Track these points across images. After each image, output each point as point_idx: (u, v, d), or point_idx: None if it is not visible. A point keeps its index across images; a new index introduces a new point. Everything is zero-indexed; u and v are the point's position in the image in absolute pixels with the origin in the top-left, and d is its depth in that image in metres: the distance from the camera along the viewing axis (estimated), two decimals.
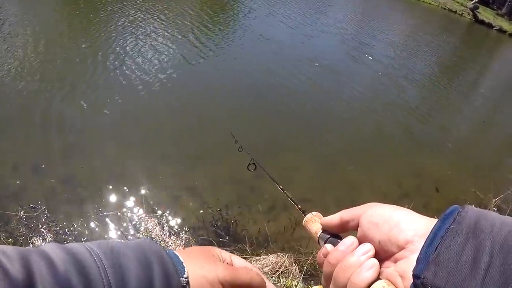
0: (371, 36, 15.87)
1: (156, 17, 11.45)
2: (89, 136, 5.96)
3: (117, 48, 9.06)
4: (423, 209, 5.96)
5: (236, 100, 8.24)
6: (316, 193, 6.01)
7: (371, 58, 12.85)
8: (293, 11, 16.09)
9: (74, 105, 6.58)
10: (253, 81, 9.14)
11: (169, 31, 10.77)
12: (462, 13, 31.66)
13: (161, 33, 10.51)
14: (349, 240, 0.65)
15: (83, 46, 8.81)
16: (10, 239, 4.35)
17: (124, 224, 4.76)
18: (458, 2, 33.73)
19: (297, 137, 7.37)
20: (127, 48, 9.21)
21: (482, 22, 31.55)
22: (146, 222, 4.82)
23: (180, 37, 10.52)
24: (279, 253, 4.52)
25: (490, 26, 31.53)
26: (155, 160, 5.85)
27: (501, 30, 31.31)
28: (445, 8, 31.63)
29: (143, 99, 7.29)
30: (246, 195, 5.59)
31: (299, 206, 0.89)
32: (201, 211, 5.15)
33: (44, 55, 8.05)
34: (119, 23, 10.55)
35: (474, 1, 33.20)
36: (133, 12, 11.38)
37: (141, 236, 4.64)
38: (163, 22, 11.28)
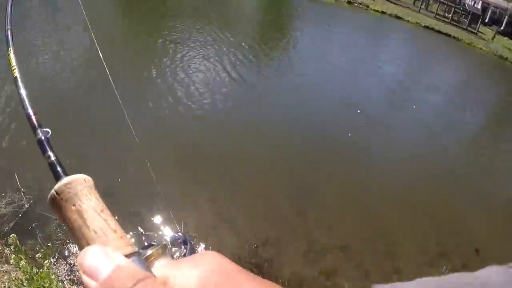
0: (417, 82, 16.02)
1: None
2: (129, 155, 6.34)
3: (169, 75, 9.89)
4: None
5: (278, 143, 8.61)
6: (355, 242, 6.17)
7: (414, 107, 12.98)
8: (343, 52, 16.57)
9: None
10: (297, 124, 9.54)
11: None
12: None
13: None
14: None
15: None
16: (49, 243, 4.77)
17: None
18: (510, 49, 33.27)
19: (335, 183, 7.60)
20: (178, 76, 10.00)
21: None
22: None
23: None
24: None
25: None
26: (195, 187, 6.18)
27: None
28: (495, 54, 31.23)
29: (190, 125, 7.80)
30: (284, 235, 5.79)
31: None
32: (236, 244, 5.36)
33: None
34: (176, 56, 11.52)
35: None
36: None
37: None
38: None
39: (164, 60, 10.99)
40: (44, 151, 0.76)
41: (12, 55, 1.03)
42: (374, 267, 5.84)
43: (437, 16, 34.78)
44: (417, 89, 15.11)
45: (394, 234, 6.70)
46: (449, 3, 38.26)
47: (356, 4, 32.08)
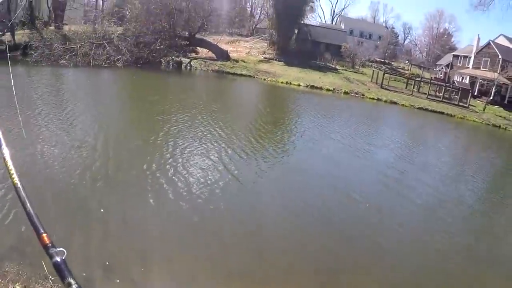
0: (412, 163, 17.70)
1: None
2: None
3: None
4: None
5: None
6: None
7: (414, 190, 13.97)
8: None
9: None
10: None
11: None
12: (506, 127, 33.70)
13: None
14: None
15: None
16: None
17: None
18: (501, 117, 36.03)
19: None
20: (184, 164, 11.54)
21: None
22: None
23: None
24: None
25: None
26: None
27: None
28: (488, 124, 33.87)
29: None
30: None
31: None
32: None
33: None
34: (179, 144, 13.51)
35: None
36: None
37: None
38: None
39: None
40: (63, 277, 0.71)
41: (8, 159, 0.97)
42: None
43: (429, 97, 38.05)
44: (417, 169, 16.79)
45: None
46: (439, 83, 41.95)
47: (352, 94, 35.42)
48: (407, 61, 67.78)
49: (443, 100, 37.97)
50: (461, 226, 11.31)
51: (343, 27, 69.06)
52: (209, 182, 10.44)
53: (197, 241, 7.85)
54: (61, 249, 0.80)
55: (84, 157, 10.69)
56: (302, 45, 50.77)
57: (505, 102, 42.11)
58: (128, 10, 36.82)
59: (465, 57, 50.27)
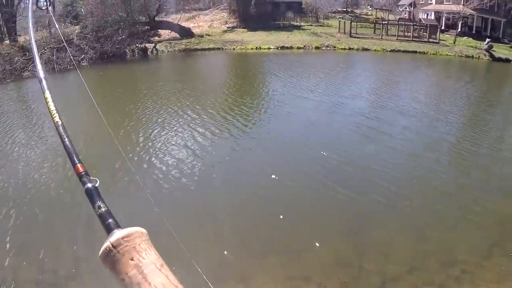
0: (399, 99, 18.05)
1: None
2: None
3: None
4: None
5: None
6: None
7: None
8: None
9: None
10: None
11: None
12: (479, 56, 34.24)
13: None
14: None
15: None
16: None
17: None
18: (472, 47, 36.53)
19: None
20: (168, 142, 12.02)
21: (500, 59, 33.99)
22: None
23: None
24: None
25: (508, 60, 33.91)
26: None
27: None
28: (462, 56, 34.32)
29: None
30: None
31: None
32: None
33: None
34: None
35: (487, 41, 35.97)
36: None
37: None
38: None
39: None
40: (93, 201, 0.75)
41: (50, 100, 1.05)
42: None
43: (399, 38, 38.25)
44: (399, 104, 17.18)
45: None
46: (406, 23, 42.06)
47: (323, 48, 35.33)
48: (369, 7, 67.59)
49: (413, 39, 38.22)
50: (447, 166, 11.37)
51: None
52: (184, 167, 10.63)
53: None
54: (94, 178, 0.84)
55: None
56: (262, 9, 49.98)
57: (473, 32, 42.66)
58: (82, 7, 35.50)
59: None
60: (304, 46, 35.41)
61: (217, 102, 17.27)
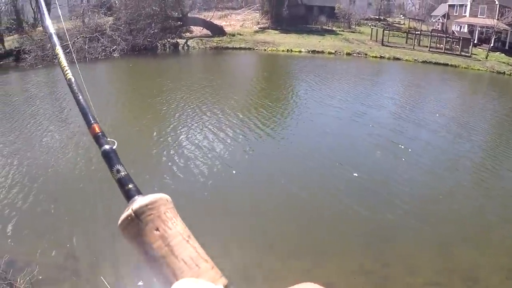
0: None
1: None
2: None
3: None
4: None
5: None
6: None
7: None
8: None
9: None
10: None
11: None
12: (511, 73, 34.20)
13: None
14: None
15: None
16: None
17: None
18: (504, 63, 36.50)
19: None
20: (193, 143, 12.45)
21: None
22: None
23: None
24: None
25: None
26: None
27: None
28: (493, 71, 34.36)
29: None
30: None
31: None
32: None
33: None
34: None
35: None
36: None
37: None
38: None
39: None
40: (111, 165, 0.69)
41: (61, 56, 1.01)
42: None
43: (431, 49, 38.40)
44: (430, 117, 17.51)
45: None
46: (439, 34, 42.18)
47: (355, 55, 35.73)
48: (402, 15, 67.63)
49: (445, 51, 38.29)
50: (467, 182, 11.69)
51: None
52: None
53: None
54: (112, 139, 0.79)
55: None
56: (294, 11, 50.51)
57: (506, 47, 42.50)
58: None
59: (461, 5, 50.26)
60: (335, 51, 35.90)
61: (242, 103, 17.65)
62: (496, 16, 41.53)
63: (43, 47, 27.57)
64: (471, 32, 45.52)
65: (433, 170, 11.88)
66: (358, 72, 29.06)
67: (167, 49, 33.77)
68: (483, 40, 43.63)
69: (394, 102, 20.17)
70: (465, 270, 7.47)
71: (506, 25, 41.44)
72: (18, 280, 5.84)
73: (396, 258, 7.65)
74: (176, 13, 38.58)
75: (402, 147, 13.45)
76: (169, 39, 34.80)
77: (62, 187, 9.48)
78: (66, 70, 1.00)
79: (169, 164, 10.78)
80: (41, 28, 33.94)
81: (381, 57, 35.36)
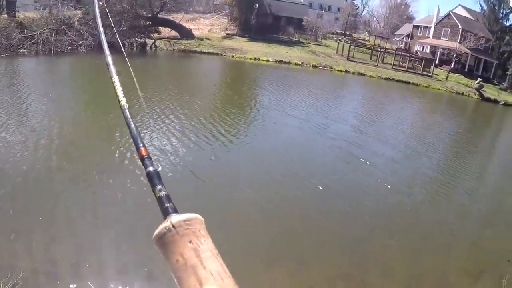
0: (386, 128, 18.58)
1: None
2: None
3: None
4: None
5: None
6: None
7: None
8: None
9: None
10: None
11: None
12: (469, 94, 35.64)
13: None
14: None
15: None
16: None
17: None
18: (463, 84, 37.98)
19: None
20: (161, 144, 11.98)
21: (488, 99, 35.54)
22: None
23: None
24: None
25: (496, 101, 35.61)
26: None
27: (506, 104, 35.82)
28: (452, 92, 35.65)
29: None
30: None
31: None
32: None
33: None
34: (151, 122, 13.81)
35: (478, 80, 37.53)
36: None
37: None
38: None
39: None
40: (154, 184, 0.78)
41: (117, 84, 1.10)
42: None
43: (394, 67, 39.52)
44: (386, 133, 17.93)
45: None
46: (402, 53, 43.43)
47: (320, 68, 36.18)
48: (367, 32, 69.39)
49: (408, 70, 39.50)
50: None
51: (301, 0, 69.61)
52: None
53: None
54: (157, 164, 0.89)
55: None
56: (263, 20, 50.86)
57: (466, 70, 44.34)
58: None
59: (425, 27, 52.13)
60: (302, 63, 36.26)
61: (205, 107, 17.37)
62: (459, 39, 43.20)
63: (8, 36, 26.26)
64: (433, 53, 47.20)
65: (394, 184, 12.14)
66: (323, 85, 29.32)
67: (135, 48, 32.98)
68: (444, 61, 45.33)
69: (357, 117, 20.41)
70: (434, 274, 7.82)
71: (468, 48, 43.16)
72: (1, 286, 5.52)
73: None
74: (145, 13, 38.00)
75: (362, 160, 13.61)
76: (137, 38, 34.03)
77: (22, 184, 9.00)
78: (121, 98, 1.10)
79: (130, 167, 10.42)
80: (5, 16, 32.49)
81: (346, 71, 35.94)
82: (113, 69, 1.27)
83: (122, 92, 1.13)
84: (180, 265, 0.62)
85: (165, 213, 0.73)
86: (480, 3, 52.10)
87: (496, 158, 18.84)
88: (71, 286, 6.01)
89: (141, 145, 0.92)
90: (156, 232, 0.68)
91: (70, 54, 27.27)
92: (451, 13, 47.90)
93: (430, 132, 20.32)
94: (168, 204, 0.75)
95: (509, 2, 49.37)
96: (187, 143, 12.53)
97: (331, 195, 10.76)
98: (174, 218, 0.68)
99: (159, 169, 0.88)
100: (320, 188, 10.86)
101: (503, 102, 35.84)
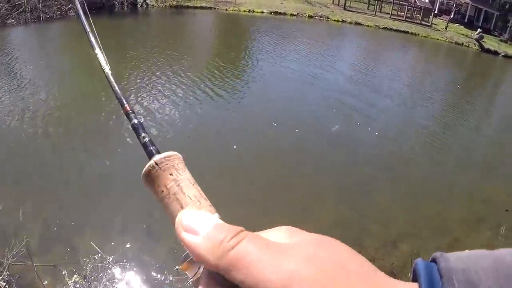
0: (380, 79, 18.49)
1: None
2: None
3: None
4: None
5: None
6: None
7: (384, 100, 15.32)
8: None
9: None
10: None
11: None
12: (469, 45, 35.03)
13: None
14: None
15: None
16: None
17: None
18: (463, 35, 37.27)
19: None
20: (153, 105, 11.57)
21: (488, 51, 34.95)
22: None
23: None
24: None
25: (496, 53, 34.99)
26: None
27: (506, 56, 35.18)
28: (452, 42, 35.04)
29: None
30: None
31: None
32: None
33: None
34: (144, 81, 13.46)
35: (478, 31, 36.80)
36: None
37: None
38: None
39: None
40: (138, 133, 0.89)
41: (100, 55, 1.19)
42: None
43: (392, 17, 38.60)
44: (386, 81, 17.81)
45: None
46: (400, 2, 42.30)
47: (316, 18, 35.31)
48: None
49: (406, 19, 38.62)
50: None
51: None
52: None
53: None
54: (140, 116, 1.01)
55: None
56: None
57: (465, 20, 43.38)
58: None
59: None
60: (298, 13, 35.19)
61: (195, 64, 16.75)
62: None
63: None
64: (432, 2, 45.89)
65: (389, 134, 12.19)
66: (320, 36, 28.65)
67: (125, 8, 31.66)
68: (444, 11, 44.29)
69: (355, 67, 20.09)
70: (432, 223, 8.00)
71: None
72: (6, 255, 5.39)
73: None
74: None
75: (358, 110, 13.50)
76: None
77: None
78: (104, 66, 1.16)
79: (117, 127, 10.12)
80: None
81: (343, 21, 35.01)
82: (93, 39, 1.29)
83: (104, 60, 1.18)
84: (164, 194, 0.73)
85: (150, 155, 0.82)
86: None
87: (494, 110, 18.62)
88: (74, 246, 6.08)
89: (125, 103, 1.00)
90: (143, 171, 0.77)
91: (60, 19, 26.18)
92: None
93: (428, 82, 20.04)
94: (151, 148, 0.84)
95: None
96: (174, 99, 12.20)
97: (326, 146, 10.72)
98: (156, 157, 0.77)
99: (142, 120, 0.89)
100: (312, 138, 10.85)
101: (503, 54, 35.19)
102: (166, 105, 11.77)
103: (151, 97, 12.17)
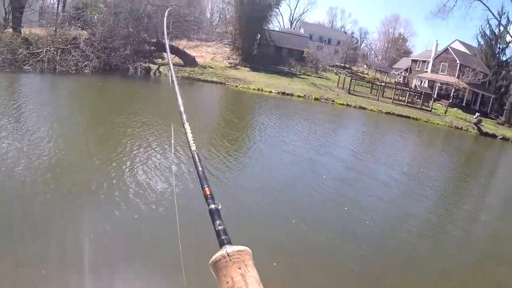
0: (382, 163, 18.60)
1: None
2: None
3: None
4: None
5: None
6: None
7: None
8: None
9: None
10: None
11: None
12: (468, 129, 36.75)
13: None
14: None
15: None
16: None
17: None
18: (462, 119, 39.18)
19: None
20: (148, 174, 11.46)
21: (486, 134, 36.66)
22: None
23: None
24: None
25: (494, 136, 36.74)
26: None
27: (504, 138, 37.23)
28: (451, 126, 36.73)
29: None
30: None
31: None
32: None
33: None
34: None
35: (476, 115, 38.74)
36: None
37: None
38: None
39: None
40: (214, 219, 0.91)
41: (188, 131, 1.22)
42: None
43: (394, 101, 40.63)
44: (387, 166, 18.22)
45: None
46: (402, 88, 44.75)
47: (322, 100, 37.12)
48: (365, 65, 71.11)
49: (407, 104, 40.66)
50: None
51: (302, 32, 71.32)
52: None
53: None
54: (217, 202, 1.02)
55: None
56: (264, 51, 52.14)
57: (463, 104, 45.73)
58: (95, 14, 35.93)
59: (424, 61, 53.77)
60: (304, 95, 37.09)
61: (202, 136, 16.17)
62: (457, 74, 44.68)
63: (14, 51, 26.38)
64: (431, 87, 48.62)
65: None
66: (327, 119, 30.04)
67: (139, 73, 33.14)
68: (442, 96, 46.73)
69: (364, 151, 20.93)
70: None
71: (466, 83, 44.59)
72: None
73: None
74: (149, 37, 38.41)
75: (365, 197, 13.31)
76: (141, 63, 34.38)
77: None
78: (192, 143, 1.26)
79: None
80: (11, 30, 32.63)
81: (347, 105, 36.87)
82: (184, 117, 1.44)
83: (192, 138, 1.27)
84: (229, 285, 0.78)
85: (221, 244, 0.89)
86: (477, 38, 54.14)
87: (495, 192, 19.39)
88: None
89: (205, 185, 1.07)
90: (213, 258, 0.84)
91: (75, 75, 27.24)
92: (449, 47, 49.65)
93: (431, 165, 20.96)
94: (224, 237, 0.91)
95: (506, 37, 51.11)
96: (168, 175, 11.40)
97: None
98: (229, 248, 0.84)
99: (219, 207, 1.01)
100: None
101: (501, 137, 37.08)
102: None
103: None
